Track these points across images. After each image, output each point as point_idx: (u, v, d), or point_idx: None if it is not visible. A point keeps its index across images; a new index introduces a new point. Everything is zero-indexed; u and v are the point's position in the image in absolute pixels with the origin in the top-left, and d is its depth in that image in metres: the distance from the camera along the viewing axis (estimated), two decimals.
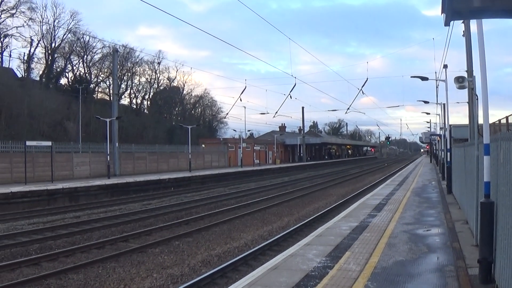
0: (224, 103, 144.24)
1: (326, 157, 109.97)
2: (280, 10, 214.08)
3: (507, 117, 14.44)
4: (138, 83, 78.95)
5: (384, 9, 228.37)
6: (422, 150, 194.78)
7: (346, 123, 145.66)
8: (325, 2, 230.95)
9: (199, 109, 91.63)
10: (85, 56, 68.16)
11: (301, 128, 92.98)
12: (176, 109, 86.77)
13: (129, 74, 74.74)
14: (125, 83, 75.32)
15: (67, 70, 68.15)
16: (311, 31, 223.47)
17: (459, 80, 12.53)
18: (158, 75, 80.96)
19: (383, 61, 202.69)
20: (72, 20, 62.76)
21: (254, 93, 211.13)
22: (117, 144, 41.27)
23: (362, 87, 43.55)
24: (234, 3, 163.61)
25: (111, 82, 61.12)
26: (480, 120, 10.33)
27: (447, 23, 4.13)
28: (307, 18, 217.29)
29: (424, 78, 25.88)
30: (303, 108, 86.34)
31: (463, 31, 16.55)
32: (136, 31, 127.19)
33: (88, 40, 66.19)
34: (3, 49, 58.70)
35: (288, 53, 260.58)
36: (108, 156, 38.22)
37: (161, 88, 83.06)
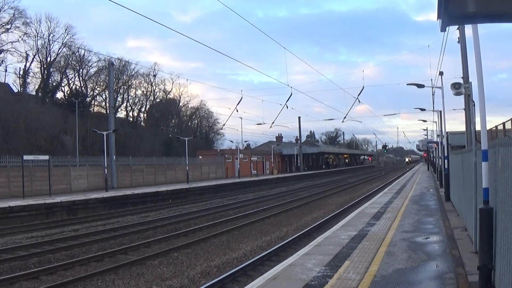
0: (220, 114, 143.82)
1: (324, 166, 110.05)
2: (267, 18, 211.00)
3: (504, 123, 14.47)
4: (134, 96, 79.12)
5: (373, 16, 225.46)
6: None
7: (343, 132, 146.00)
8: (312, 9, 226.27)
9: (196, 121, 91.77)
10: (81, 70, 68.24)
11: (298, 138, 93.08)
12: (173, 121, 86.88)
13: (125, 87, 74.82)
14: (121, 96, 75.39)
15: (63, 84, 68.29)
16: (300, 39, 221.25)
17: (455, 86, 12.63)
18: (154, 87, 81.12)
19: (376, 69, 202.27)
20: (67, 34, 62.91)
21: (249, 103, 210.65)
22: (114, 157, 41.20)
23: (358, 95, 43.60)
24: (221, 13, 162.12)
25: (107, 95, 60.94)
26: (477, 127, 10.36)
27: (443, 29, 4.17)
28: (294, 26, 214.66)
29: (420, 86, 26.00)
30: (299, 118, 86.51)
31: (458, 37, 16.67)
32: (124, 43, 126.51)
33: (84, 54, 66.29)
34: None
35: (280, 63, 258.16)
36: (106, 169, 38.16)
37: (157, 100, 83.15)
